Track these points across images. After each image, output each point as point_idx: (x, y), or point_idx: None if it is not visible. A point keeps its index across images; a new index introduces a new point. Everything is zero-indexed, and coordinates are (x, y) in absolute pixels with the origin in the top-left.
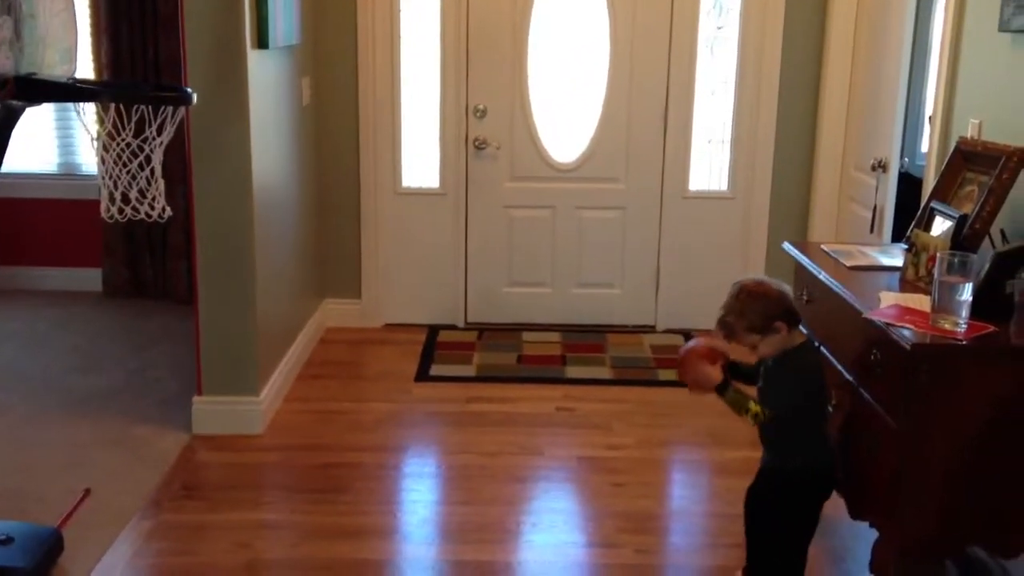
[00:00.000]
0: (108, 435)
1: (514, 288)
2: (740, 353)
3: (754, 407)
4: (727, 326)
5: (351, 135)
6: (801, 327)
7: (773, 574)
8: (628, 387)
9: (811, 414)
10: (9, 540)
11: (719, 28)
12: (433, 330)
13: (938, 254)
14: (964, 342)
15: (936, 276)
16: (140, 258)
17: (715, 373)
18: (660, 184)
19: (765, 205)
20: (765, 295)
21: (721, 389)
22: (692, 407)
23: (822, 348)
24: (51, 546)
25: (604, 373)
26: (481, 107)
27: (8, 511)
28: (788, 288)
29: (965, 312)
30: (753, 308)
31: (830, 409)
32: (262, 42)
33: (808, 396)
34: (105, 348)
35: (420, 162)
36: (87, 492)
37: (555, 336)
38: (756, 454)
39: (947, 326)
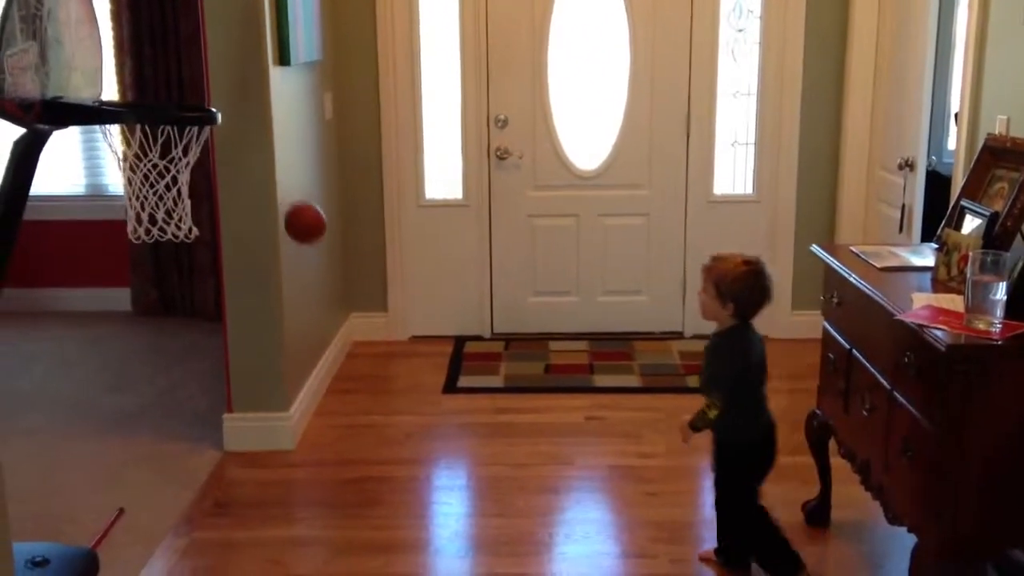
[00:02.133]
0: (140, 454)
1: (540, 297)
2: None
3: (707, 406)
4: (708, 268)
5: (374, 149)
6: (751, 324)
7: (738, 540)
8: (657, 395)
9: (748, 390)
10: (45, 562)
11: (740, 31)
12: (460, 341)
13: (970, 253)
14: (999, 342)
15: (969, 275)
16: (168, 277)
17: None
18: (684, 189)
19: (791, 207)
20: (749, 281)
21: (694, 425)
22: None
23: (854, 351)
24: (86, 567)
25: (633, 381)
26: (502, 117)
27: (42, 533)
28: (770, 295)
29: (1000, 311)
30: (734, 281)
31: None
32: (284, 59)
33: (741, 371)
34: (135, 367)
35: (443, 173)
36: (120, 512)
37: (582, 345)
38: (788, 460)
39: (981, 326)
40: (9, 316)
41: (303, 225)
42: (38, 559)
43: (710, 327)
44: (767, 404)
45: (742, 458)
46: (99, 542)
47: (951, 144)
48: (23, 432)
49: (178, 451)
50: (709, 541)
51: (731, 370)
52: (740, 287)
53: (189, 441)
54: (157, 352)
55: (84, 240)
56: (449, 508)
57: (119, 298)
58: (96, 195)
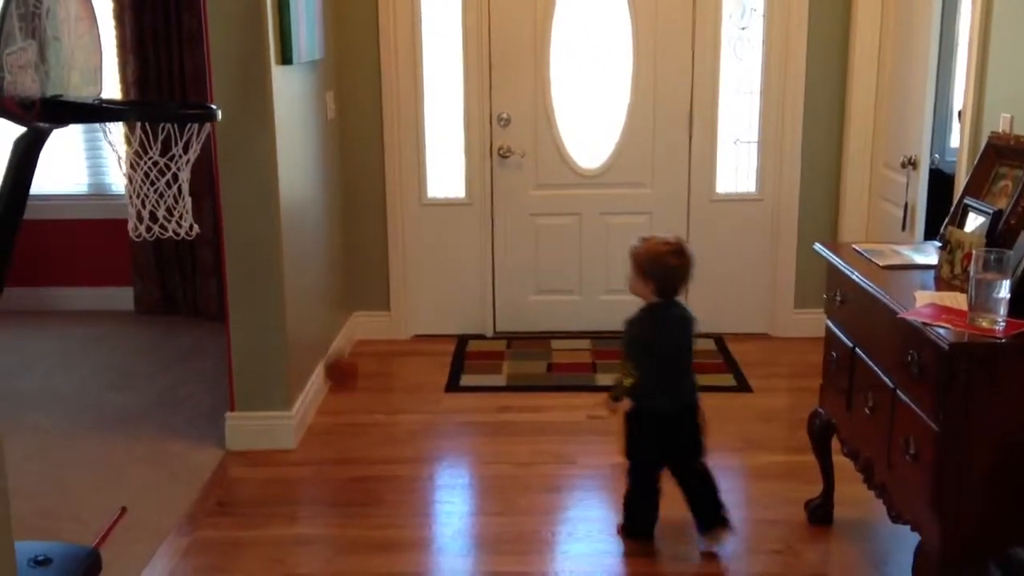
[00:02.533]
0: (142, 453)
1: (542, 296)
2: None
3: (623, 375)
4: (633, 249)
5: (376, 148)
6: (678, 299)
7: (629, 495)
8: None
9: (666, 363)
10: (47, 561)
11: (743, 29)
12: (462, 340)
13: (974, 251)
14: (1003, 340)
15: (972, 274)
16: (170, 276)
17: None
18: (687, 187)
19: (794, 206)
20: (665, 261)
21: (614, 395)
22: (724, 412)
23: (857, 349)
24: (89, 566)
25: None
26: (505, 115)
27: (45, 531)
28: (685, 273)
29: (1003, 310)
30: (651, 258)
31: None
32: (286, 58)
33: (654, 345)
34: (137, 366)
35: (445, 172)
36: (123, 510)
37: (584, 344)
38: (793, 459)
39: (985, 324)
40: (11, 315)
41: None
42: (40, 558)
43: (712, 324)
44: (690, 380)
45: (653, 427)
46: (102, 541)
47: (954, 142)
48: (26, 431)
49: (180, 450)
50: None
51: (642, 343)
52: (658, 266)
53: (191, 440)
54: (159, 351)
55: (86, 239)
56: (451, 507)
57: (121, 297)
58: (99, 194)
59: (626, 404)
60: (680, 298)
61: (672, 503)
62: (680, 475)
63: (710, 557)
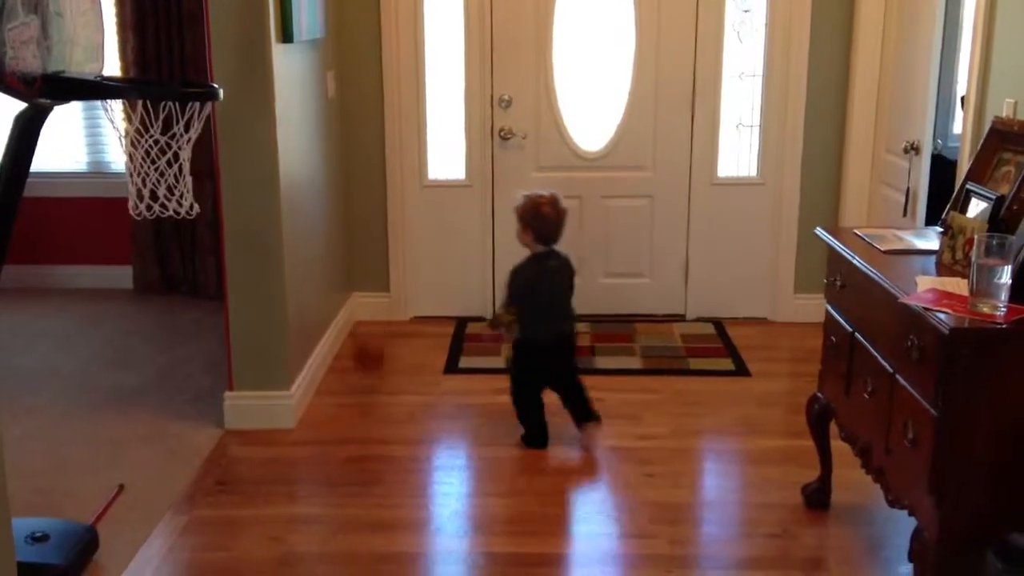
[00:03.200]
0: (141, 431)
1: None
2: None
3: (504, 311)
4: (517, 204)
5: (376, 128)
6: (555, 248)
7: (520, 413)
8: (658, 377)
9: (544, 302)
10: (45, 537)
11: (746, 11)
12: (461, 322)
13: (975, 236)
14: (1004, 326)
15: (974, 259)
16: (170, 255)
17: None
18: (688, 171)
19: (795, 190)
20: (540, 211)
21: (492, 324)
22: (723, 396)
23: (857, 334)
24: (86, 543)
25: (634, 363)
26: (506, 97)
27: (43, 508)
28: (556, 222)
29: (1004, 295)
30: (529, 210)
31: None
32: (287, 36)
33: (526, 286)
34: (136, 345)
35: (446, 154)
36: (121, 488)
37: (584, 327)
38: (791, 443)
39: (986, 310)
40: (11, 293)
41: (368, 356)
42: (38, 535)
43: (713, 309)
44: (568, 316)
45: (533, 355)
46: (99, 518)
47: (957, 128)
48: (25, 409)
49: (179, 429)
50: (710, 523)
51: (526, 286)
52: (535, 216)
53: (190, 419)
54: (159, 330)
55: (86, 218)
56: (449, 488)
57: (121, 276)
58: (98, 172)
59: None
60: (559, 248)
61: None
62: (558, 388)
63: (707, 540)
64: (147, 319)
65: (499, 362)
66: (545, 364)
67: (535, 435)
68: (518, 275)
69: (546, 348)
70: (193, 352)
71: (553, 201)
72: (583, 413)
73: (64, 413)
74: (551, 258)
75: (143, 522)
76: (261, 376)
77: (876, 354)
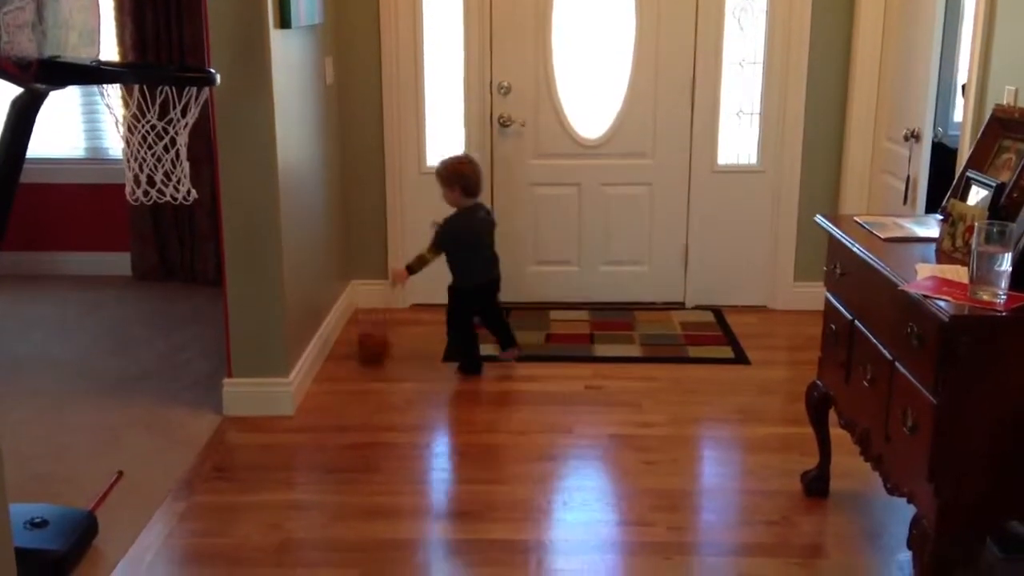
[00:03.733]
0: (140, 418)
1: (541, 267)
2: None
3: (426, 253)
4: (437, 171)
5: (375, 115)
6: (478, 200)
7: (454, 346)
8: (658, 365)
9: (466, 252)
10: (44, 523)
11: None
12: None
13: (976, 224)
14: (1004, 313)
15: (974, 246)
16: (168, 241)
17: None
18: (688, 159)
19: (796, 178)
20: (461, 170)
21: (411, 267)
22: (722, 384)
23: (856, 322)
24: (85, 528)
25: (633, 351)
26: (505, 84)
27: (42, 494)
28: (472, 172)
29: (1004, 283)
30: (451, 170)
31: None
32: (284, 22)
33: (459, 237)
34: (135, 331)
35: (444, 141)
36: (120, 474)
37: (583, 315)
38: (790, 431)
39: (986, 297)
40: (9, 279)
41: (371, 346)
42: (37, 520)
43: (712, 297)
44: (492, 262)
45: (465, 297)
46: (98, 504)
47: (957, 116)
48: (23, 395)
49: (178, 415)
50: (708, 510)
51: (454, 234)
52: (456, 173)
53: (189, 405)
54: (157, 317)
55: (84, 204)
56: (447, 474)
57: (119, 262)
58: (96, 159)
59: (405, 275)
60: (483, 202)
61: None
62: (485, 321)
63: (705, 528)
64: (145, 306)
65: (498, 349)
66: (478, 303)
67: (470, 363)
68: (450, 224)
69: (479, 291)
70: (192, 339)
71: (469, 159)
72: (506, 340)
73: (62, 400)
74: (479, 210)
75: (142, 508)
76: (260, 363)
77: (876, 342)
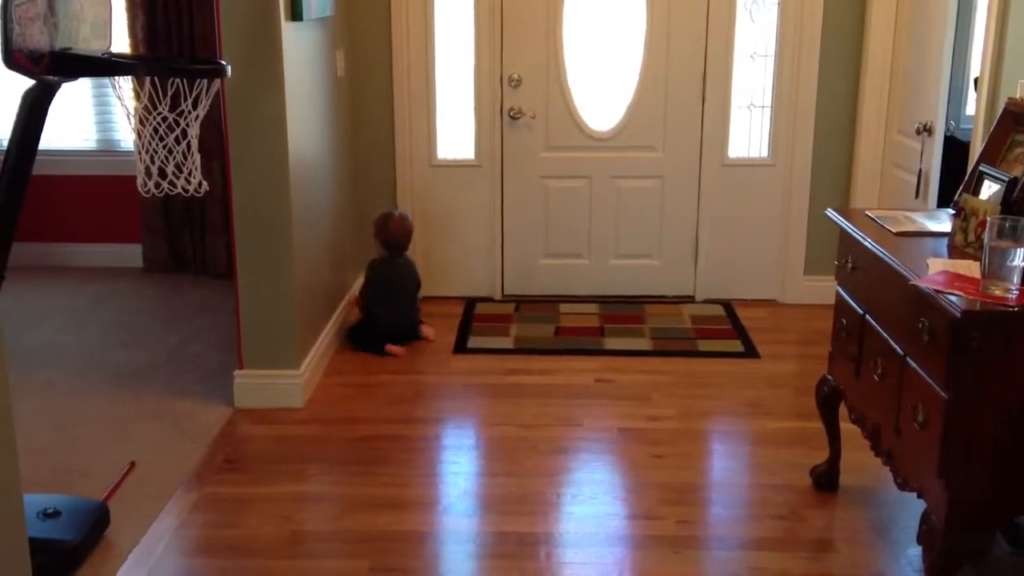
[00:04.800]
0: (151, 409)
1: (551, 260)
2: None
3: (361, 298)
4: (375, 219)
5: (385, 107)
6: (406, 254)
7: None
8: (667, 358)
9: (380, 297)
10: (57, 514)
11: None
12: (470, 303)
13: (988, 219)
14: (1016, 308)
15: (986, 241)
16: (179, 233)
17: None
18: (699, 152)
19: (806, 171)
20: (388, 225)
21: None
22: (732, 378)
23: (868, 316)
24: (98, 519)
25: (643, 344)
26: (516, 76)
27: (54, 485)
28: (403, 231)
29: (1017, 278)
30: (379, 223)
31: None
32: (296, 14)
33: (374, 282)
34: (146, 323)
35: (455, 133)
36: (132, 465)
37: (593, 308)
38: (799, 425)
39: (998, 292)
40: (21, 271)
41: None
42: (50, 511)
43: (722, 290)
44: (405, 311)
45: (370, 332)
46: (110, 495)
47: (970, 109)
48: (35, 387)
49: (189, 407)
50: (718, 504)
51: (368, 278)
52: (382, 225)
53: (200, 397)
54: (168, 308)
55: (96, 196)
56: (458, 467)
57: (130, 254)
58: (108, 151)
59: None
60: (408, 254)
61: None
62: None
63: (715, 521)
64: (157, 297)
65: (508, 343)
66: (390, 339)
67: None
68: (369, 268)
69: (390, 330)
70: (203, 330)
71: (403, 218)
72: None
73: (74, 391)
74: (396, 262)
75: (154, 499)
76: (270, 355)
77: (887, 336)
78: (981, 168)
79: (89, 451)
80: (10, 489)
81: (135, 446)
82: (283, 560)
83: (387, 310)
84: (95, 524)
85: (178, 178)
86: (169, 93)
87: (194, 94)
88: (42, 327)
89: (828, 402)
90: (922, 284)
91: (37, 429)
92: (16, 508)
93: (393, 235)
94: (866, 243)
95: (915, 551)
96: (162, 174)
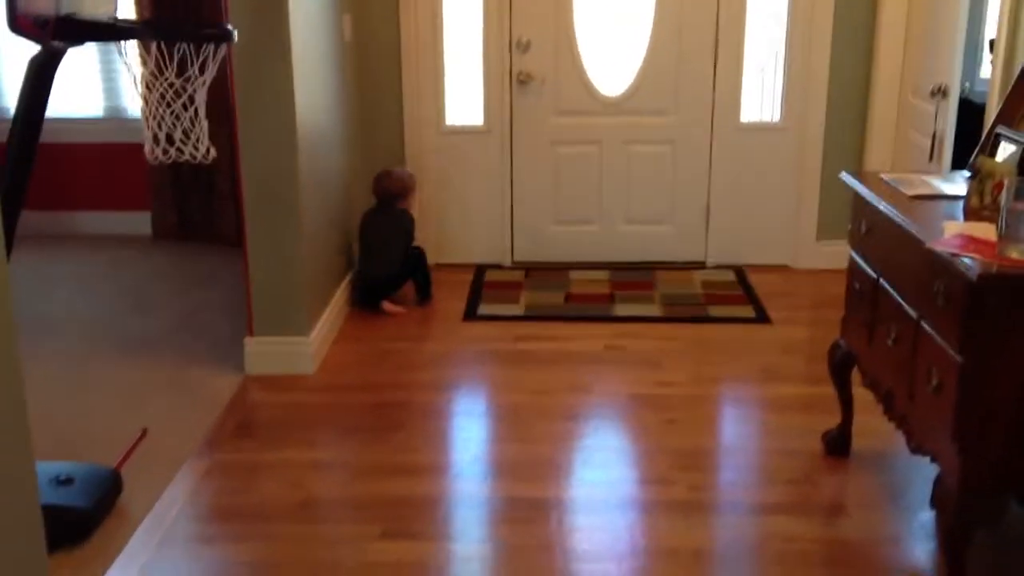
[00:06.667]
0: (162, 377)
1: (561, 226)
2: None
3: None
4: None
5: (393, 73)
6: (396, 204)
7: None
8: (678, 324)
9: (361, 251)
10: (70, 480)
11: None
12: (480, 269)
13: (1005, 180)
14: None
15: (1003, 204)
16: (188, 201)
17: None
18: (711, 116)
19: (819, 135)
20: (378, 177)
21: None
22: (744, 344)
23: (881, 280)
24: (110, 486)
25: (654, 310)
26: (525, 40)
27: (67, 453)
28: (389, 183)
29: None
30: (375, 179)
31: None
32: None
33: (359, 238)
34: (156, 291)
35: (463, 99)
36: (144, 433)
37: (603, 274)
38: (811, 390)
39: (1015, 255)
40: (29, 239)
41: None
42: (63, 478)
43: (733, 256)
44: (373, 262)
45: (360, 286)
46: (122, 462)
47: (984, 72)
48: (47, 354)
49: (200, 374)
50: (729, 469)
51: (358, 234)
52: (376, 177)
53: (211, 365)
54: (178, 276)
55: (104, 163)
56: (469, 433)
57: (139, 222)
58: (115, 117)
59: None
60: (402, 205)
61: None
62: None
63: (726, 487)
64: (166, 265)
65: (518, 309)
66: (370, 293)
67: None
68: (360, 219)
69: (366, 284)
70: (212, 298)
71: (386, 173)
72: (425, 293)
73: (85, 358)
74: (380, 211)
75: (166, 466)
76: (281, 322)
77: (901, 300)
78: (998, 130)
79: (100, 419)
80: (23, 456)
81: (146, 413)
82: (294, 525)
83: (362, 260)
84: (108, 491)
85: (186, 145)
86: (176, 59)
87: (201, 59)
88: (52, 295)
89: (840, 367)
90: (938, 247)
91: (48, 397)
92: (29, 475)
93: (380, 188)
94: (880, 206)
95: (928, 515)
96: (170, 141)
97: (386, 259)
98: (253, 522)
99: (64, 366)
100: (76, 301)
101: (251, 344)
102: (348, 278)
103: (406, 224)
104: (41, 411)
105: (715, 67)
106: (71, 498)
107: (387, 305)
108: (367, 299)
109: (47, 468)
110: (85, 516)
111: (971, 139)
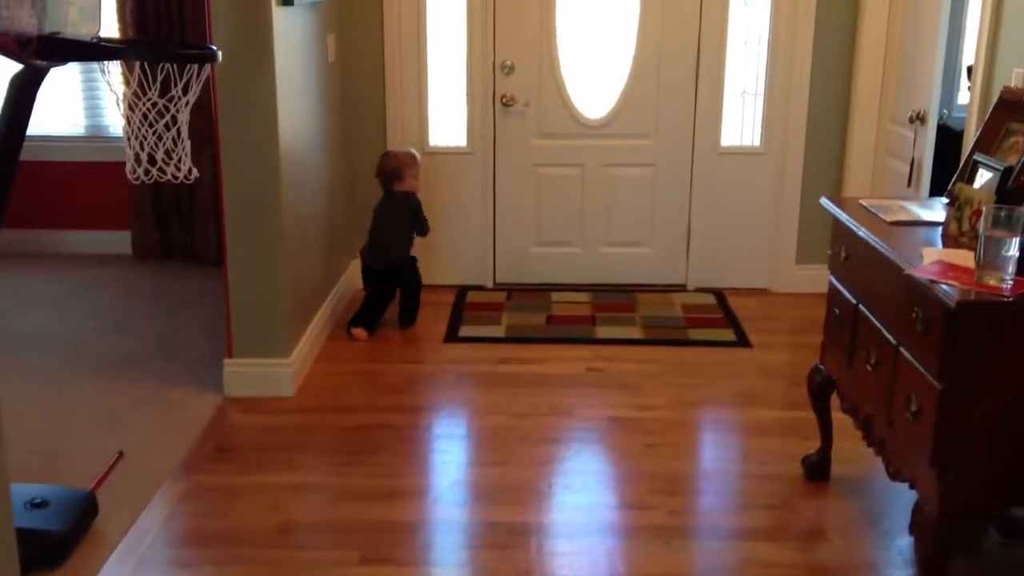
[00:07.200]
0: (140, 397)
1: (542, 248)
2: None
3: None
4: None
5: (377, 94)
6: (402, 189)
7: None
8: (659, 347)
9: (373, 233)
10: (44, 503)
11: None
12: (462, 291)
13: (983, 207)
14: (1010, 299)
15: (981, 231)
16: (169, 220)
17: None
18: (691, 140)
19: (799, 160)
20: (380, 160)
21: None
22: (724, 367)
23: (861, 306)
24: (85, 509)
25: (634, 333)
26: (508, 63)
27: (42, 474)
28: (387, 165)
29: (1012, 268)
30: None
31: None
32: None
33: (373, 218)
34: (136, 311)
35: (447, 121)
36: (120, 455)
37: (584, 296)
38: (791, 415)
39: (993, 282)
40: (9, 257)
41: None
42: (37, 501)
43: (714, 279)
44: (380, 248)
45: (367, 274)
46: (98, 485)
47: (962, 98)
48: (23, 374)
49: (178, 395)
50: (709, 493)
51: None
52: (377, 167)
53: (189, 386)
54: (158, 296)
55: (84, 182)
56: (449, 456)
57: (119, 241)
58: (97, 136)
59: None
60: (402, 187)
61: None
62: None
63: (706, 511)
64: (146, 284)
65: (499, 331)
66: (371, 281)
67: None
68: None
69: (375, 271)
70: (192, 318)
71: (385, 153)
72: (407, 318)
73: (62, 378)
74: (387, 198)
75: (142, 488)
76: (261, 343)
77: (880, 326)
78: (976, 157)
79: (77, 440)
80: None
81: (124, 435)
82: (273, 550)
83: (369, 248)
84: (83, 514)
85: (168, 164)
86: (159, 78)
87: (184, 79)
88: (30, 314)
89: (820, 392)
90: (917, 274)
91: (24, 417)
92: (3, 497)
93: (380, 169)
94: (860, 232)
95: (906, 541)
96: (152, 160)
97: (391, 245)
98: (231, 546)
99: (41, 386)
100: (54, 320)
101: (230, 365)
102: (328, 308)
103: (409, 206)
104: (16, 431)
105: (696, 92)
106: (45, 521)
107: (355, 330)
108: (374, 287)
109: (22, 491)
110: (60, 540)
111: (949, 165)
